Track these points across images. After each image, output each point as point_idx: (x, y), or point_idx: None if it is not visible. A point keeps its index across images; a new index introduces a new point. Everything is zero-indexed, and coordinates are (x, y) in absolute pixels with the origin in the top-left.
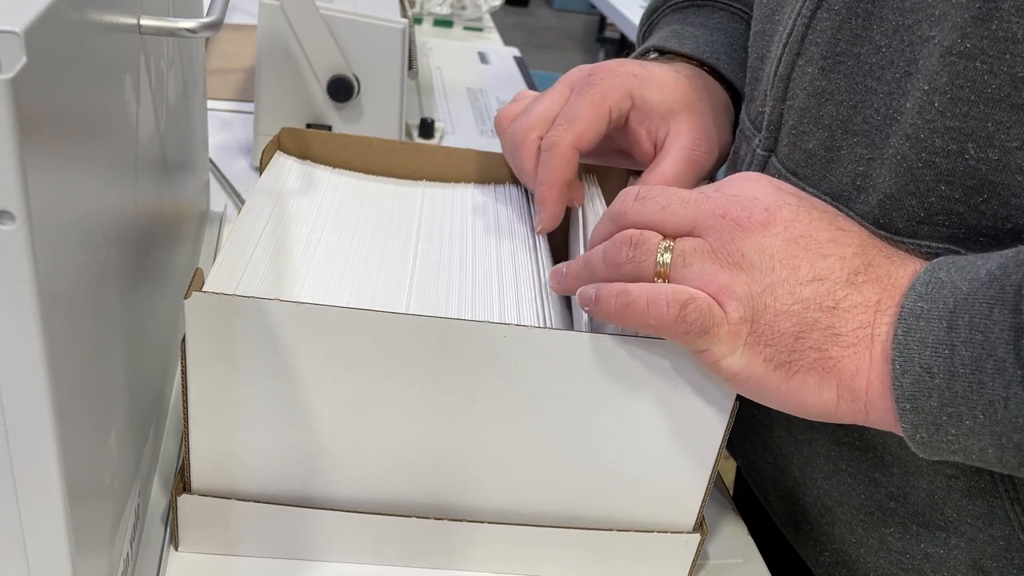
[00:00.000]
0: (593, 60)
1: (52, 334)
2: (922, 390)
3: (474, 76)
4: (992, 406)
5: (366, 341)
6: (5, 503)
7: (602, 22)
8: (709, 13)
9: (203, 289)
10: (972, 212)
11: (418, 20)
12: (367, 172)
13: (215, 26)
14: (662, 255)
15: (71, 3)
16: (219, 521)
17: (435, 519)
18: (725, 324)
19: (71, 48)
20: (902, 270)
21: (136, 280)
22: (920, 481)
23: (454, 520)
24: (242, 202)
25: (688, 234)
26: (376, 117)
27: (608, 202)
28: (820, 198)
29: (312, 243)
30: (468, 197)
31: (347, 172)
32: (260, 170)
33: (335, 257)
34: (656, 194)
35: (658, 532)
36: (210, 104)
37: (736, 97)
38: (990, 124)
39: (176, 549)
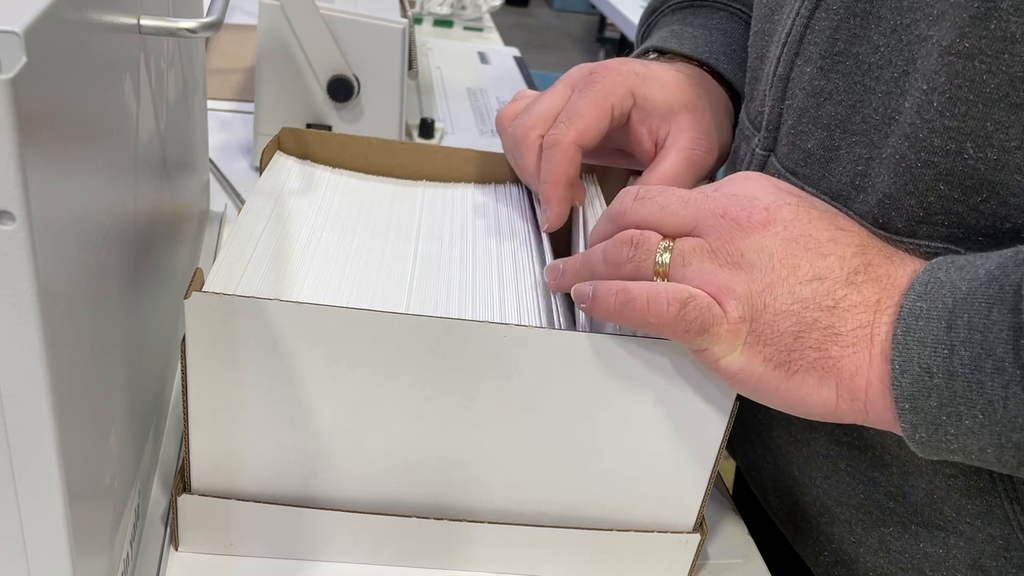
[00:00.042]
0: (593, 60)
1: (52, 334)
2: (921, 390)
3: (474, 76)
4: (991, 406)
5: (366, 341)
6: (5, 503)
7: (602, 22)
8: (708, 13)
9: (203, 289)
10: (971, 212)
11: (418, 20)
12: (367, 172)
13: (215, 26)
14: (661, 255)
15: (71, 3)
16: (219, 521)
17: (435, 519)
18: (724, 323)
19: (71, 48)
20: (901, 270)
21: (136, 280)
22: (919, 480)
23: (454, 520)
24: (242, 202)
25: (688, 234)
26: (376, 117)
27: (608, 202)
28: (819, 197)
29: (312, 243)
30: (468, 197)
31: (347, 172)
32: (260, 170)
33: (335, 257)
34: (656, 194)
35: (658, 532)
36: (210, 104)
37: (735, 97)
38: (989, 124)
39: (176, 549)
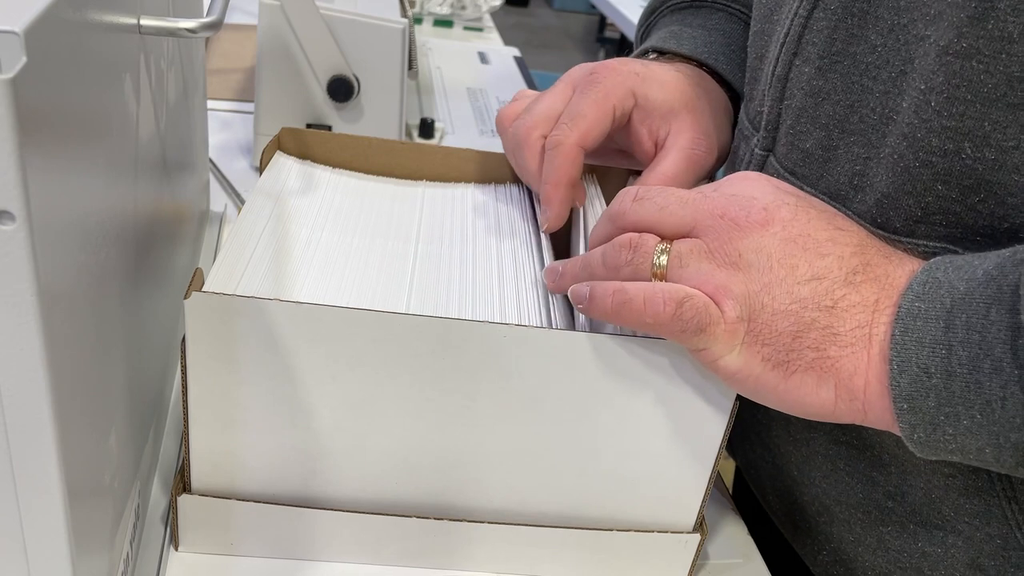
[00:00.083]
0: (593, 60)
1: (52, 334)
2: (919, 390)
3: (474, 76)
4: (989, 406)
5: (366, 341)
6: (5, 503)
7: (602, 22)
8: (707, 14)
9: (203, 289)
10: (969, 211)
11: (418, 20)
12: (367, 172)
13: (215, 26)
14: (659, 257)
15: (71, 3)
16: (219, 521)
17: (435, 519)
18: (722, 323)
19: (71, 48)
20: (900, 269)
21: (136, 280)
22: (918, 480)
23: (454, 520)
24: (242, 202)
25: (687, 234)
26: (376, 117)
27: (608, 202)
28: (818, 197)
29: (312, 243)
30: (468, 197)
31: (347, 172)
32: (260, 170)
33: (335, 257)
34: (655, 194)
35: (658, 532)
36: (210, 104)
37: (735, 97)
38: (986, 123)
39: (176, 549)
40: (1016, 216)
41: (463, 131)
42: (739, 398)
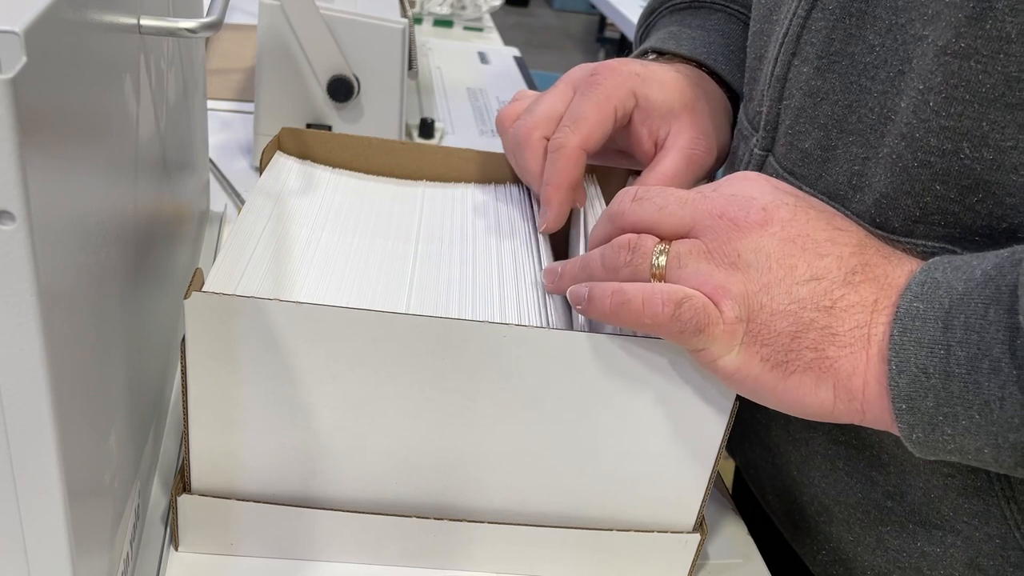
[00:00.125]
0: (593, 60)
1: (52, 334)
2: (918, 390)
3: (474, 76)
4: (988, 406)
5: (366, 341)
6: (5, 503)
7: (602, 22)
8: (706, 15)
9: (203, 289)
10: (967, 211)
11: (418, 20)
12: (367, 172)
13: (215, 26)
14: (657, 257)
15: (71, 3)
16: (219, 521)
17: (435, 519)
18: (720, 323)
19: (71, 48)
20: (899, 269)
21: (136, 280)
22: (917, 480)
23: (454, 520)
24: (242, 202)
25: (686, 234)
26: (376, 117)
27: (608, 202)
28: (817, 197)
29: (312, 243)
30: (468, 197)
31: (347, 172)
32: (260, 170)
33: (335, 257)
34: (654, 195)
35: (658, 532)
36: (210, 104)
37: (734, 98)
38: (985, 123)
39: (176, 549)
40: (1014, 216)
41: (463, 131)
42: (739, 398)
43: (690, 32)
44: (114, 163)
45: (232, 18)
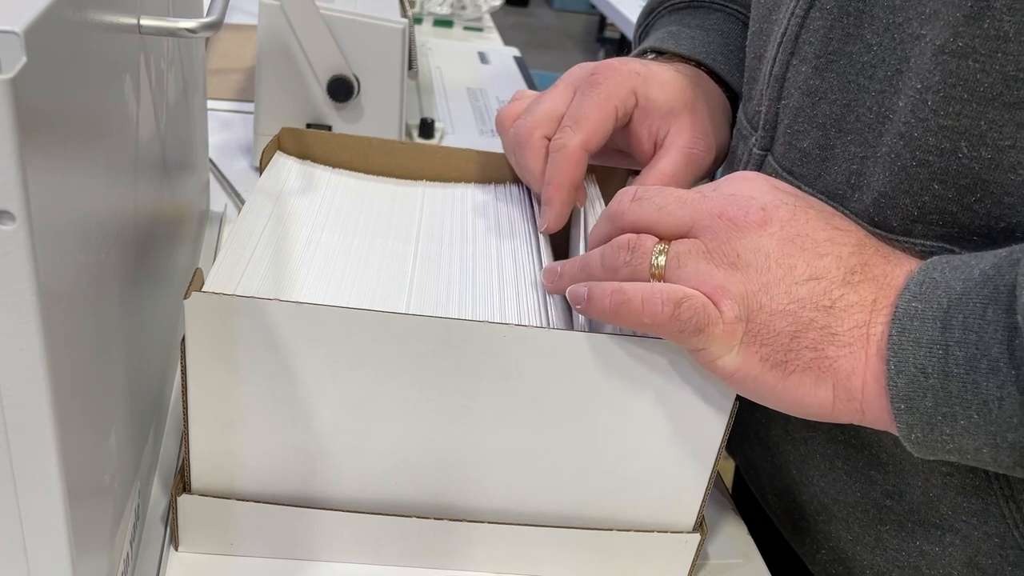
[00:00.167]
0: (593, 60)
1: (52, 334)
2: (917, 390)
3: (474, 76)
4: (986, 406)
5: (366, 341)
6: (5, 503)
7: (602, 22)
8: (705, 14)
9: (203, 289)
10: (965, 211)
11: (418, 20)
12: (367, 172)
13: (215, 26)
14: (657, 257)
15: (71, 3)
16: (219, 521)
17: (435, 519)
18: (720, 323)
19: (71, 48)
20: (898, 269)
21: (136, 280)
22: (915, 479)
23: (454, 520)
24: (242, 202)
25: (685, 234)
26: (376, 117)
27: (608, 202)
28: (816, 197)
29: (312, 243)
30: (468, 197)
31: (347, 172)
32: (260, 170)
33: (335, 257)
34: (653, 194)
35: (658, 532)
36: (210, 104)
37: (733, 97)
38: (983, 123)
39: (176, 549)
40: (1013, 215)
41: (463, 131)
42: (739, 398)
43: (689, 32)
44: (114, 163)
45: (232, 18)
